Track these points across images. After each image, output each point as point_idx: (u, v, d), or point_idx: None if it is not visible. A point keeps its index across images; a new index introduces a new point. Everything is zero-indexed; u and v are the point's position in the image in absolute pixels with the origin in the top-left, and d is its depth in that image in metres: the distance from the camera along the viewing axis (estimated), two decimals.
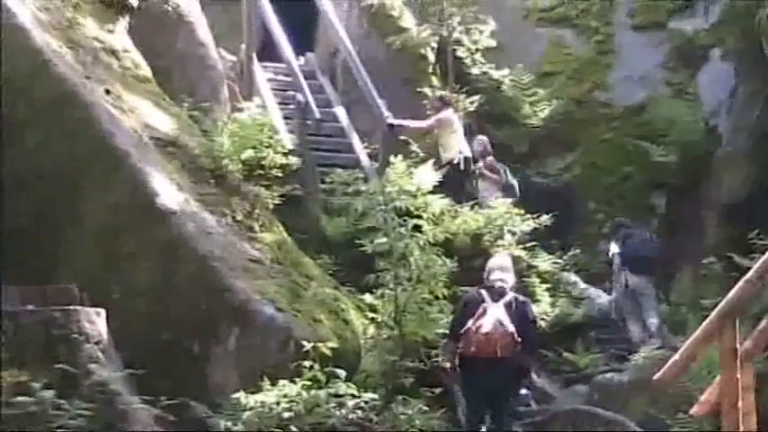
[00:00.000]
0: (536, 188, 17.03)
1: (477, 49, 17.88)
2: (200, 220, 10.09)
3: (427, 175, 13.70)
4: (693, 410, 7.67)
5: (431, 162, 14.44)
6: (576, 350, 14.20)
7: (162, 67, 12.45)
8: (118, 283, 9.60)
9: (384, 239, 11.08)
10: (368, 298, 11.46)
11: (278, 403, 8.91)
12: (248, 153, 13.44)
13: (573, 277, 15.37)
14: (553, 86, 18.49)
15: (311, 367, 9.19)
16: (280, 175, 13.55)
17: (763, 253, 7.41)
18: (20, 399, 7.40)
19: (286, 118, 15.38)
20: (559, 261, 15.25)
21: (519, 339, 9.84)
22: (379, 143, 15.25)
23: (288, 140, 14.43)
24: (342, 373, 9.27)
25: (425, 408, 10.28)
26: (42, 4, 10.83)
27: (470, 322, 9.90)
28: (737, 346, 6.99)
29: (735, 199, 15.45)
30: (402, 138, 15.48)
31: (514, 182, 15.95)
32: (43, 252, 9.75)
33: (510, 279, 10.41)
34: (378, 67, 16.26)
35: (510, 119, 17.94)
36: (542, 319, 13.44)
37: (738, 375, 6.95)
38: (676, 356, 7.18)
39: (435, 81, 17.19)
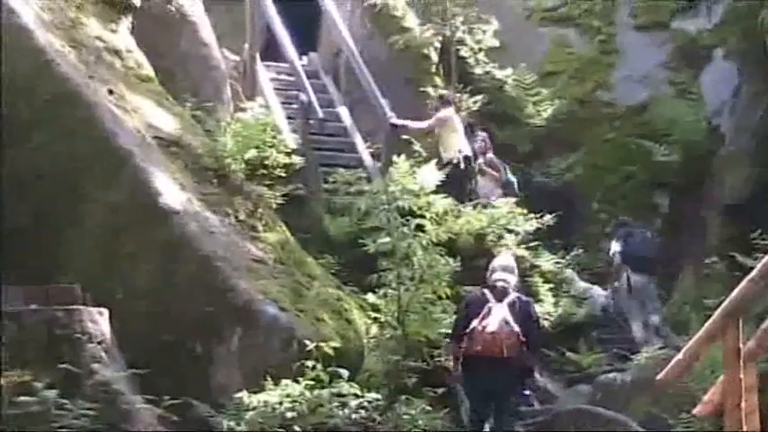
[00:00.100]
0: (539, 188, 17.04)
1: (480, 49, 17.88)
2: (203, 220, 10.09)
3: (430, 175, 13.69)
4: (696, 410, 7.67)
5: (434, 161, 14.44)
6: (579, 350, 14.20)
7: (165, 66, 12.46)
8: (120, 283, 9.59)
9: (387, 239, 11.07)
10: (371, 298, 11.45)
11: (281, 403, 8.91)
12: (251, 153, 13.47)
13: (569, 273, 15.36)
14: (556, 86, 18.50)
15: (314, 367, 9.19)
16: (283, 174, 13.57)
17: (766, 252, 7.42)
18: (23, 398, 7.41)
19: (289, 118, 15.38)
20: (562, 261, 15.25)
21: (523, 339, 9.87)
22: (382, 143, 15.25)
23: (291, 140, 14.44)
24: (345, 372, 9.27)
25: (428, 407, 10.28)
26: (45, 4, 10.83)
27: (476, 322, 9.91)
28: (741, 345, 6.98)
29: (737, 199, 15.45)
30: (405, 137, 15.48)
31: (514, 179, 15.97)
32: (45, 252, 9.74)
33: (513, 279, 10.42)
34: (381, 67, 16.26)
35: (513, 118, 17.95)
36: (545, 318, 13.44)
37: (741, 375, 6.95)
38: (679, 356, 7.18)
39: (438, 81, 17.18)
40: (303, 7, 16.75)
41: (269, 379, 9.08)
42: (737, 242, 13.34)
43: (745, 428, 6.93)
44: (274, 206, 12.33)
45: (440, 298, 11.19)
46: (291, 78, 16.03)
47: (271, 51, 16.56)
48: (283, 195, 13.01)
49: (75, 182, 10.00)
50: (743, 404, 6.93)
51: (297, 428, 8.85)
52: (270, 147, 13.75)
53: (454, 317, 10.72)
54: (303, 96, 14.91)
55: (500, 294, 10.11)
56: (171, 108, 11.51)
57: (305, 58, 17.16)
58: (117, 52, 11.39)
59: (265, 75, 16.34)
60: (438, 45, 17.38)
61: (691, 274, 15.67)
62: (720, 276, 14.00)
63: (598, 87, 18.52)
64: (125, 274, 9.70)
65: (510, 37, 18.11)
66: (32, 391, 7.45)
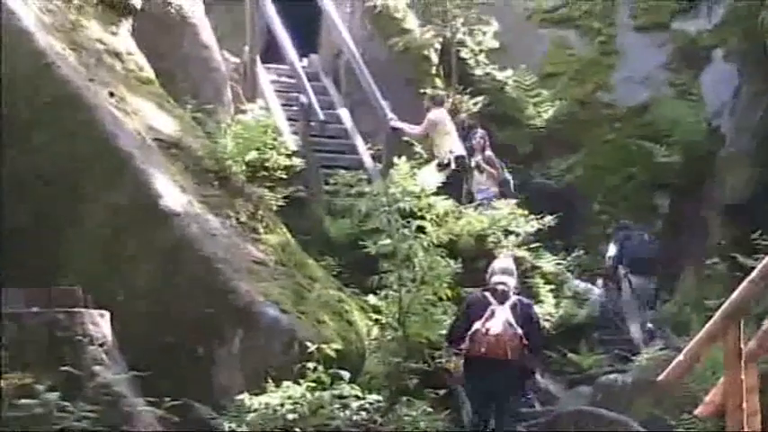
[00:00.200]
0: (539, 189, 17.03)
1: (480, 51, 17.88)
2: (203, 222, 10.09)
3: (431, 177, 13.70)
4: (698, 411, 7.68)
5: (434, 163, 14.46)
6: (580, 351, 14.20)
7: (165, 69, 12.46)
8: (121, 285, 9.59)
9: (388, 241, 11.08)
10: (372, 299, 11.46)
11: (282, 405, 8.91)
12: (252, 155, 13.48)
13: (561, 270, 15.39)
14: (556, 87, 18.50)
15: (315, 369, 9.19)
16: (283, 176, 13.58)
17: (767, 253, 7.42)
18: (24, 401, 7.40)
19: (289, 119, 15.38)
20: (563, 262, 15.25)
21: (525, 342, 9.89)
22: (383, 144, 15.26)
23: (291, 142, 14.45)
24: (346, 374, 9.27)
25: (430, 409, 10.29)
26: (46, 6, 10.83)
27: (478, 324, 9.94)
28: (742, 346, 6.98)
29: (738, 199, 15.44)
30: (405, 139, 15.49)
31: (510, 177, 15.96)
32: (45, 254, 9.73)
33: (512, 282, 10.45)
34: (381, 69, 16.26)
35: (513, 120, 17.95)
36: (546, 319, 13.44)
37: (743, 376, 6.95)
38: (680, 357, 7.18)
39: (439, 82, 17.19)
40: (303, 9, 16.75)
41: (270, 381, 9.08)
42: (738, 243, 13.35)
43: (746, 429, 6.94)
44: (275, 208, 12.33)
45: (441, 299, 11.20)
46: (292, 80, 16.04)
47: (271, 53, 16.56)
48: (284, 197, 13.02)
49: (76, 184, 9.99)
50: (744, 405, 6.94)
51: (298, 430, 8.85)
52: (270, 149, 13.76)
53: (453, 318, 10.75)
54: (303, 98, 14.91)
55: (501, 297, 10.14)
56: (171, 110, 11.51)
57: (305, 59, 17.16)
58: (117, 55, 11.39)
59: (266, 77, 16.34)
60: (438, 46, 17.39)
61: (691, 275, 15.67)
62: (721, 277, 14.00)
63: (598, 88, 18.52)
64: (126, 275, 9.70)
65: (510, 38, 18.11)
66: (33, 393, 7.44)
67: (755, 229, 12.72)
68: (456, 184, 14.66)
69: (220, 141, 13.02)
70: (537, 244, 14.78)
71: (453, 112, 16.61)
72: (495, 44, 17.80)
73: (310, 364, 9.19)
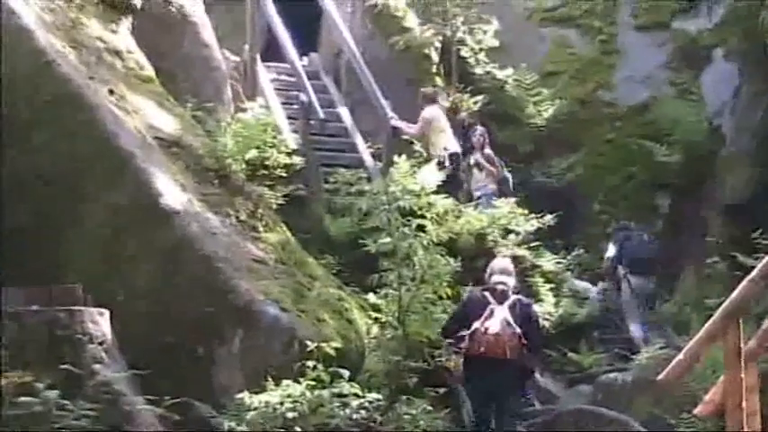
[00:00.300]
0: (540, 188, 17.03)
1: (480, 49, 17.88)
2: (203, 221, 10.09)
3: (431, 175, 13.69)
4: (697, 410, 7.68)
5: (434, 161, 14.46)
6: (580, 350, 14.20)
7: (166, 67, 12.47)
8: (121, 284, 9.59)
9: (388, 239, 11.07)
10: (371, 298, 11.46)
11: (282, 403, 8.91)
12: (252, 153, 13.48)
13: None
14: (557, 86, 18.49)
15: (315, 367, 9.19)
16: (283, 174, 13.58)
17: (767, 252, 7.41)
18: (24, 399, 7.40)
19: (290, 118, 15.39)
20: (563, 261, 15.25)
21: (524, 341, 9.90)
22: (383, 143, 15.26)
23: (291, 140, 14.45)
24: (345, 373, 9.27)
25: (429, 408, 10.28)
26: (46, 5, 10.83)
27: (477, 323, 9.96)
28: (741, 345, 6.98)
29: (738, 199, 15.44)
30: (405, 138, 15.48)
31: (509, 175, 15.96)
32: (45, 253, 9.73)
33: (511, 282, 10.47)
34: (381, 68, 16.26)
35: (514, 119, 17.94)
36: (546, 319, 13.45)
37: (742, 375, 6.95)
38: (680, 356, 7.18)
39: (439, 81, 17.19)
40: (304, 8, 16.75)
41: (270, 379, 9.08)
42: (738, 242, 13.34)
43: (746, 429, 6.94)
44: (275, 206, 12.34)
45: (440, 298, 11.19)
46: (292, 79, 16.03)
47: (271, 52, 16.56)
48: (284, 196, 13.02)
49: (76, 183, 9.99)
50: (744, 404, 6.94)
51: (298, 429, 8.85)
52: (270, 147, 13.76)
53: (450, 313, 10.78)
54: (304, 97, 14.91)
55: (500, 297, 10.16)
56: (172, 109, 11.51)
57: (305, 58, 17.16)
58: (118, 53, 11.39)
59: (266, 75, 16.35)
60: (439, 45, 17.38)
61: (692, 275, 15.67)
62: (721, 276, 14.00)
63: (599, 87, 18.51)
64: (126, 274, 9.70)
65: (510, 37, 18.11)
66: (33, 391, 7.45)
67: (756, 229, 12.72)
68: (456, 183, 14.65)
69: (220, 140, 13.03)
70: (537, 243, 14.78)
71: (453, 111, 16.63)
72: (496, 43, 17.80)
73: (310, 363, 9.19)
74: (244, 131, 13.75)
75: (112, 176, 9.97)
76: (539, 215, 14.58)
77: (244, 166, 13.12)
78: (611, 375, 13.09)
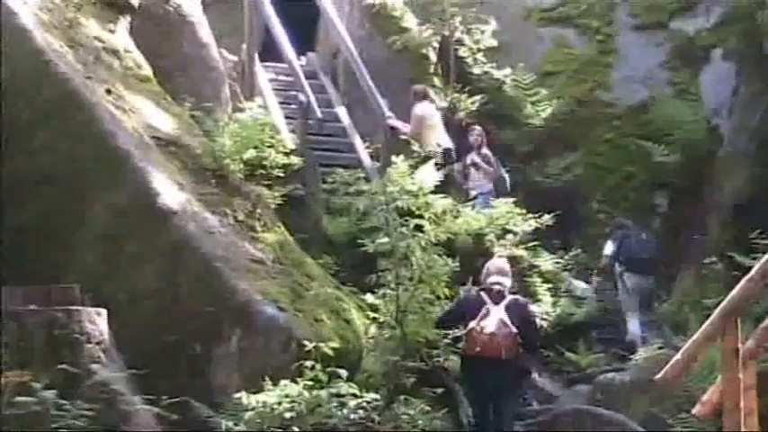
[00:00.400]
0: (538, 188, 17.02)
1: (478, 49, 17.84)
2: (201, 221, 10.09)
3: (429, 175, 13.69)
4: (695, 410, 7.68)
5: (432, 161, 14.45)
6: (578, 350, 14.18)
7: (164, 67, 12.46)
8: (120, 285, 9.59)
9: (386, 239, 11.07)
10: (369, 298, 11.44)
11: (280, 403, 8.92)
12: (250, 153, 13.47)
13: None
14: (555, 86, 18.45)
15: (313, 367, 9.19)
16: (281, 174, 13.57)
17: (765, 252, 7.41)
18: (22, 399, 7.40)
19: (287, 118, 15.38)
20: (561, 261, 15.24)
21: (521, 341, 9.92)
22: (381, 143, 15.24)
23: (289, 140, 14.44)
24: (343, 372, 9.27)
25: (427, 408, 10.27)
26: (44, 4, 10.82)
27: (473, 323, 9.99)
28: (739, 345, 6.98)
29: (737, 199, 15.42)
30: (403, 137, 15.47)
31: (506, 175, 15.96)
32: (45, 253, 9.73)
33: (508, 282, 10.49)
34: (379, 67, 16.24)
35: (512, 119, 17.90)
36: (544, 318, 13.45)
37: (740, 375, 6.95)
38: (678, 356, 7.18)
39: (437, 81, 17.17)
40: (301, 7, 16.74)
41: (268, 379, 9.07)
42: (737, 242, 13.34)
43: (743, 429, 6.93)
44: (273, 206, 12.32)
45: (438, 298, 11.19)
46: (290, 79, 16.03)
47: (269, 52, 16.56)
48: (282, 195, 13.01)
49: (75, 182, 9.99)
50: (742, 404, 6.94)
51: (295, 429, 8.85)
52: (268, 147, 13.75)
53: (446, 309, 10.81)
54: (302, 96, 14.91)
55: (497, 297, 10.20)
56: (169, 108, 11.51)
57: (303, 58, 17.16)
58: (115, 52, 11.39)
59: (264, 75, 16.34)
60: (436, 45, 17.37)
61: (690, 275, 15.65)
62: (720, 276, 13.98)
63: (597, 87, 18.48)
64: (124, 274, 9.70)
65: (508, 37, 18.08)
66: (32, 391, 7.45)
67: (754, 229, 12.71)
68: (454, 182, 14.65)
69: (218, 139, 13.02)
70: (535, 243, 14.78)
71: (451, 111, 16.62)
72: (494, 43, 17.77)
73: (308, 363, 9.20)
74: (242, 131, 13.74)
75: (111, 176, 9.97)
76: (537, 215, 14.57)
77: (242, 165, 13.11)
78: (610, 375, 13.07)
